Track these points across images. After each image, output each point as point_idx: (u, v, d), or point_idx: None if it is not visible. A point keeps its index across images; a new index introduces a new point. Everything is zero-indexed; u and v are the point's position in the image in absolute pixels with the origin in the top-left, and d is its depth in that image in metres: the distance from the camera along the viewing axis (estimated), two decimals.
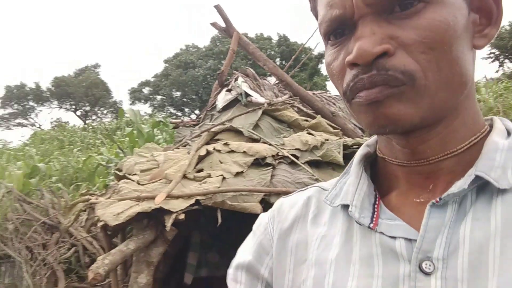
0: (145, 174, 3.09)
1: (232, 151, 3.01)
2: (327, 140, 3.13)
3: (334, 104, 4.96)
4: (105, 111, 30.47)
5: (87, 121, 26.80)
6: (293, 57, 5.99)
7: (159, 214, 2.45)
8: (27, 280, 3.92)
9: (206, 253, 3.81)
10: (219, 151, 3.03)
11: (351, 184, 0.56)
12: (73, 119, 29.27)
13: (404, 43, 0.45)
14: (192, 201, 2.47)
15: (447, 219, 0.47)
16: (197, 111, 25.16)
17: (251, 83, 4.24)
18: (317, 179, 2.68)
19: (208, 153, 3.02)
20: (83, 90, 28.15)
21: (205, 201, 2.51)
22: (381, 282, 0.48)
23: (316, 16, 0.55)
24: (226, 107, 4.07)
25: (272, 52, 26.63)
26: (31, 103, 29.19)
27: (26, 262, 4.13)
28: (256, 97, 3.96)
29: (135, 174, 3.12)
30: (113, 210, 2.53)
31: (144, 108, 27.66)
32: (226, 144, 3.12)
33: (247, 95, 3.96)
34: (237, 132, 3.45)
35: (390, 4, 0.46)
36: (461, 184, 0.46)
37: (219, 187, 2.58)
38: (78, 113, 30.01)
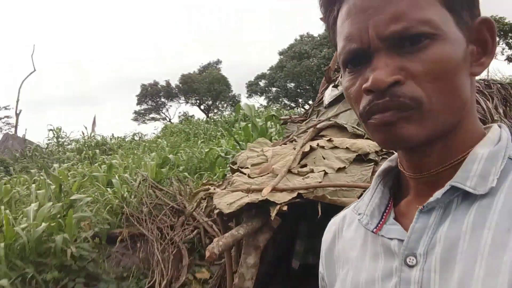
0: (255, 168, 3.38)
1: (335, 147, 3.13)
2: None
3: None
4: (225, 105, 32.34)
5: (209, 115, 28.76)
6: None
7: (266, 205, 2.70)
8: (157, 255, 4.52)
9: (314, 242, 3.98)
10: (322, 147, 3.17)
11: (367, 196, 0.69)
12: (197, 113, 31.69)
13: (412, 74, 0.54)
14: (295, 194, 2.67)
15: (430, 222, 0.56)
16: (310, 102, 25.24)
17: None
18: None
19: (312, 149, 3.18)
20: (206, 85, 30.24)
21: (307, 194, 2.68)
22: (381, 273, 0.60)
23: (335, 45, 0.64)
24: (332, 103, 4.15)
25: None
26: (162, 99, 32.32)
27: (157, 240, 4.75)
28: None
29: (247, 168, 3.44)
30: (226, 200, 2.87)
31: (260, 100, 28.67)
32: (329, 140, 3.24)
33: None
34: (342, 128, 3.54)
35: (401, 40, 0.54)
36: (437, 194, 0.56)
37: (320, 182, 2.73)
38: (202, 107, 32.34)
